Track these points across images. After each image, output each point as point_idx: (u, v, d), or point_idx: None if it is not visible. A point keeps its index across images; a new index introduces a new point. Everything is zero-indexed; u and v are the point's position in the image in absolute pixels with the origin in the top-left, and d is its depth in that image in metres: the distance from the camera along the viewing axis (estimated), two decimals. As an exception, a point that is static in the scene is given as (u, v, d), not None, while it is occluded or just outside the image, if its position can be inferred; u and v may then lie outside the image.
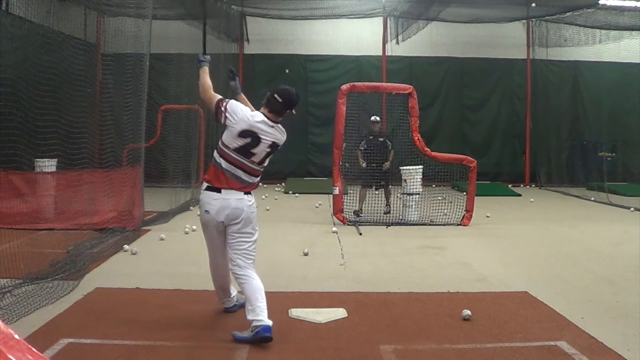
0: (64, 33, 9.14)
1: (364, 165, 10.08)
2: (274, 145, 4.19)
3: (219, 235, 4.21)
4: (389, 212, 10.15)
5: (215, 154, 4.17)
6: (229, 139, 4.10)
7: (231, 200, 4.08)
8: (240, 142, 4.08)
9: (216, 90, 4.38)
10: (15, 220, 7.24)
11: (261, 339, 3.89)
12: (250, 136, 4.09)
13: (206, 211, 4.14)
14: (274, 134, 4.18)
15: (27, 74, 7.41)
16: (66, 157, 7.50)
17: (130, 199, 8.58)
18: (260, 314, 3.95)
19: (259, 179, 4.27)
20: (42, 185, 8.54)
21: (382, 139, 10.23)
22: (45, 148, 7.18)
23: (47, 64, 7.74)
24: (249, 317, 3.97)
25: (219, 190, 4.10)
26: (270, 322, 3.95)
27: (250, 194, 4.18)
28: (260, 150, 4.13)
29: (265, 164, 4.26)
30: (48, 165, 8.43)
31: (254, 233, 4.19)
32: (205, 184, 4.19)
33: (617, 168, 15.86)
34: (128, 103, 8.77)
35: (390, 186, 10.33)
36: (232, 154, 4.09)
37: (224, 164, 4.11)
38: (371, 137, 10.24)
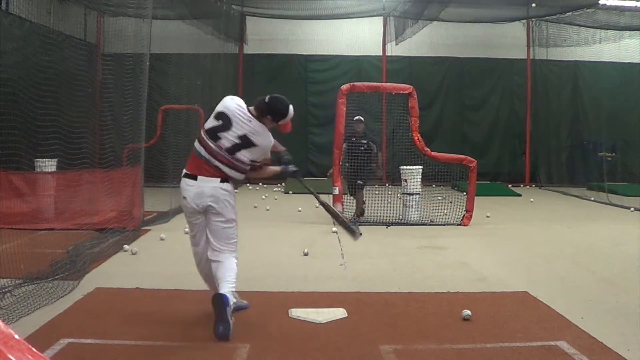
0: (64, 33, 9.16)
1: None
2: (245, 139, 4.13)
3: (196, 221, 4.27)
4: (357, 219, 9.36)
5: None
6: (208, 120, 4.25)
7: (206, 187, 4.12)
8: (213, 123, 4.19)
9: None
10: (15, 220, 7.23)
11: (213, 302, 4.00)
12: (222, 119, 4.16)
13: (184, 197, 4.22)
14: (250, 127, 4.16)
15: (27, 74, 7.41)
16: (66, 157, 7.50)
17: (130, 199, 8.58)
18: (220, 285, 4.07)
19: (237, 172, 4.19)
20: (42, 185, 8.53)
21: (365, 141, 9.71)
22: (45, 148, 7.18)
23: (47, 64, 7.75)
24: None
25: (195, 178, 4.16)
26: (223, 290, 4.02)
27: (227, 181, 4.18)
28: (228, 136, 4.12)
29: (242, 157, 4.15)
30: (48, 165, 8.43)
31: (234, 218, 4.21)
32: (184, 171, 4.26)
33: (617, 168, 15.87)
34: (128, 103, 8.77)
35: (363, 189, 9.73)
36: (202, 134, 4.19)
37: (196, 144, 4.22)
38: (353, 139, 9.70)
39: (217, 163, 4.13)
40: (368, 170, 9.78)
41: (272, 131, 4.34)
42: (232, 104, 4.23)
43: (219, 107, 4.23)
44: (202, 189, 4.13)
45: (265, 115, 4.22)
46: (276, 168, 4.53)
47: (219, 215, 4.15)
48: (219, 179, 4.14)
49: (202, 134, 4.20)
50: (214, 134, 4.15)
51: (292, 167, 4.56)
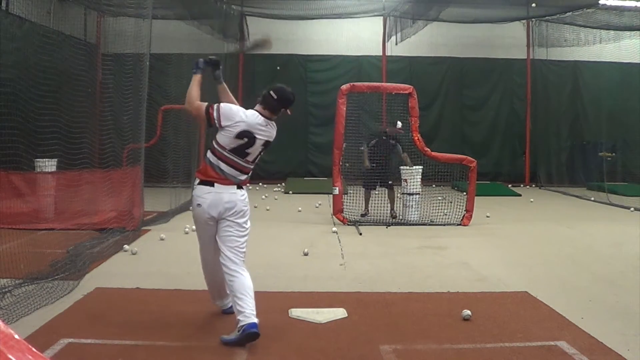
0: (64, 33, 9.15)
1: (367, 164, 9.85)
2: (266, 144, 4.24)
3: (210, 230, 4.20)
4: (396, 217, 9.82)
5: (209, 154, 4.18)
6: (226, 140, 4.10)
7: (224, 194, 4.08)
8: (237, 143, 4.11)
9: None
10: (15, 220, 7.23)
11: (248, 336, 3.84)
12: (247, 137, 4.11)
13: (198, 204, 4.14)
14: (268, 131, 4.20)
15: (27, 74, 7.40)
16: (66, 157, 7.50)
17: (130, 199, 8.58)
18: (246, 312, 3.90)
19: (248, 176, 4.29)
20: (42, 185, 8.53)
21: (393, 142, 9.95)
22: (45, 148, 7.17)
23: (47, 64, 7.75)
24: (237, 317, 3.92)
25: (212, 184, 4.11)
26: (256, 320, 3.88)
27: (242, 188, 4.19)
28: (255, 149, 4.18)
29: (257, 161, 4.30)
30: (48, 165, 8.42)
31: (247, 228, 4.17)
32: (197, 179, 4.20)
33: (617, 168, 15.85)
34: (128, 103, 8.76)
35: (394, 188, 10.01)
36: (227, 154, 4.11)
37: (217, 162, 4.12)
38: (384, 138, 9.97)
39: (241, 176, 4.15)
40: (393, 168, 9.94)
41: (275, 138, 4.33)
42: (251, 117, 4.14)
43: (242, 126, 4.08)
44: (220, 195, 4.07)
45: (280, 110, 4.23)
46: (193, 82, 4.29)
47: (233, 223, 4.09)
48: (235, 186, 4.13)
49: (226, 153, 4.09)
50: (241, 151, 4.12)
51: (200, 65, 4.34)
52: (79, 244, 6.81)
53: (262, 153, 4.28)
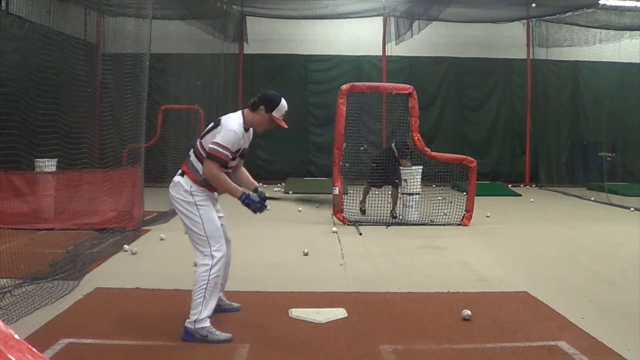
0: (64, 33, 9.14)
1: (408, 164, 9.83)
2: (217, 121, 4.24)
3: None
4: (396, 217, 9.83)
5: None
6: None
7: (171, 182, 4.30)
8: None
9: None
10: (15, 220, 7.24)
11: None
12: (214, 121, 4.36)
13: None
14: (230, 115, 4.28)
15: (27, 74, 7.41)
16: (66, 157, 7.51)
17: (130, 199, 8.58)
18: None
19: (197, 160, 4.14)
20: (42, 185, 8.53)
21: (408, 152, 9.87)
22: (45, 148, 7.18)
23: (47, 64, 7.75)
24: None
25: None
26: (187, 325, 3.99)
27: (182, 175, 4.19)
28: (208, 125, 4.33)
29: (205, 141, 4.14)
30: (48, 165, 8.43)
31: (188, 219, 4.18)
32: None
33: (617, 168, 15.85)
34: (128, 103, 8.77)
35: (399, 187, 9.96)
36: None
37: None
38: (406, 148, 9.90)
39: (191, 151, 4.26)
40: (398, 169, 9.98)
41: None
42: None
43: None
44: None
45: (259, 106, 4.25)
46: (237, 188, 4.14)
47: (177, 213, 4.26)
48: (179, 172, 4.23)
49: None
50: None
51: (250, 200, 4.15)
52: (79, 244, 6.81)
53: (210, 131, 4.18)
